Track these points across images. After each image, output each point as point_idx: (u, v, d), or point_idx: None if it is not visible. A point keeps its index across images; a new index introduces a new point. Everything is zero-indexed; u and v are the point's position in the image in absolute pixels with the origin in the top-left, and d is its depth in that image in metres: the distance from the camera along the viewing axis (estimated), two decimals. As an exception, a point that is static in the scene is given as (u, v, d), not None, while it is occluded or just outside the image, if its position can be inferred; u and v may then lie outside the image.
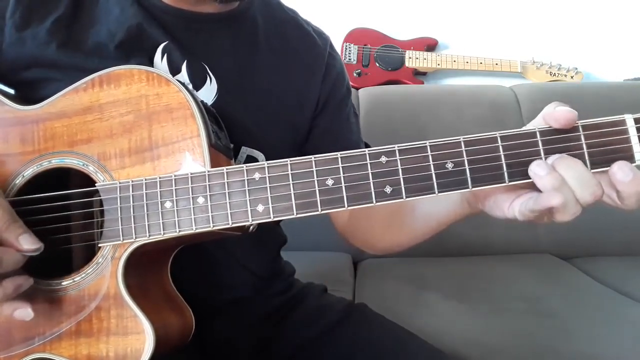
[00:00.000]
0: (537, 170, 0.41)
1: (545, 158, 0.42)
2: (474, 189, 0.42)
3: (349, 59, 1.76)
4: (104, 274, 0.47)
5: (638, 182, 0.40)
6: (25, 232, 0.44)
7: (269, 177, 0.44)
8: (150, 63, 0.58)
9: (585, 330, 0.89)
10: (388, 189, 0.43)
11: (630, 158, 0.41)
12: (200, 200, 0.45)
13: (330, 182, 0.43)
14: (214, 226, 0.45)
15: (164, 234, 0.46)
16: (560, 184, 0.40)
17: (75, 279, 0.48)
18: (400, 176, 0.43)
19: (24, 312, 0.44)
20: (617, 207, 0.42)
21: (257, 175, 0.45)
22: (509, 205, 0.45)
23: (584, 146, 0.41)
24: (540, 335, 0.88)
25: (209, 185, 0.45)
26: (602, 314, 0.97)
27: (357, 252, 0.77)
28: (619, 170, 0.40)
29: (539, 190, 0.41)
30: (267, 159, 0.61)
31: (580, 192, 0.40)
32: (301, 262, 0.85)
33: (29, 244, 0.43)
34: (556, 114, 0.41)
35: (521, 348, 0.85)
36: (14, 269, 0.43)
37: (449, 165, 0.42)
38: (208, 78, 0.61)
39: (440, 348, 0.65)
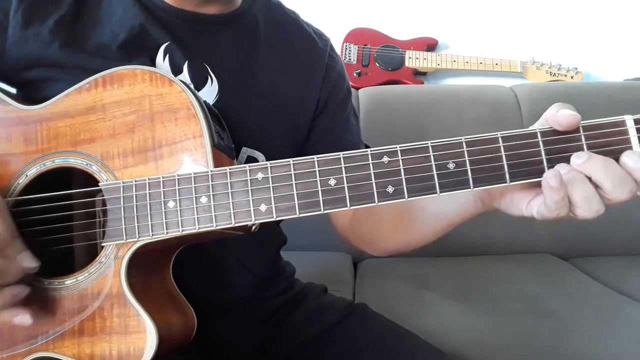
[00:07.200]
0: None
1: (547, 159, 0.42)
2: (475, 189, 0.43)
3: (349, 59, 1.76)
4: (107, 273, 0.47)
5: None
6: (25, 250, 0.45)
7: (271, 177, 0.44)
8: (152, 63, 0.59)
9: (585, 330, 0.90)
10: (390, 189, 0.43)
11: (630, 158, 0.41)
12: (203, 199, 0.45)
13: (332, 182, 0.44)
14: (216, 225, 0.45)
15: (167, 233, 0.46)
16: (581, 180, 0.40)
17: (78, 278, 0.48)
18: (402, 176, 0.43)
19: (23, 318, 0.45)
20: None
21: (259, 175, 0.45)
22: (527, 203, 0.46)
23: (585, 147, 0.41)
24: (540, 335, 0.88)
25: (211, 185, 0.45)
26: (602, 314, 0.97)
27: (357, 252, 0.76)
28: (628, 159, 0.40)
29: None
30: (267, 160, 0.62)
31: (619, 190, 0.40)
32: (301, 262, 0.85)
33: (28, 262, 0.44)
34: (559, 118, 0.41)
35: (521, 348, 0.85)
36: (15, 280, 0.44)
37: (451, 166, 0.43)
38: (209, 79, 0.61)
39: (440, 348, 0.65)
